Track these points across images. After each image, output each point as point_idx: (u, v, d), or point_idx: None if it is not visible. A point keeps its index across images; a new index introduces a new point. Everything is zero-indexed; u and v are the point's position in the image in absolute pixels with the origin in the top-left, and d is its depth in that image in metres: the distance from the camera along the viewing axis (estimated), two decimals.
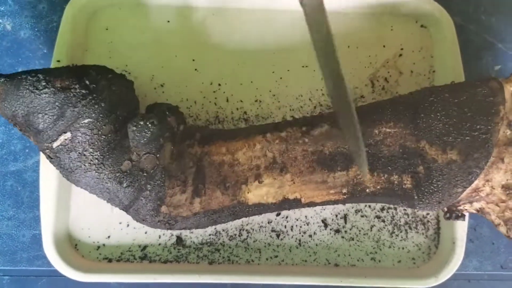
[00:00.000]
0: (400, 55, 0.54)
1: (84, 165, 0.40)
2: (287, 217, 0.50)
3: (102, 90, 0.40)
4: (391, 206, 0.50)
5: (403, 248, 0.50)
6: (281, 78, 0.53)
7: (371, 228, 0.50)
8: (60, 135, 0.39)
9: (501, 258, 0.51)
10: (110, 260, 0.49)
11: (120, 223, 0.49)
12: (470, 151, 0.39)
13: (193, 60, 0.53)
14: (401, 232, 0.50)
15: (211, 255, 0.49)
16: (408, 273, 0.49)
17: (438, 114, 0.40)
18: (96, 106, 0.39)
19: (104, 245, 0.49)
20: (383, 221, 0.50)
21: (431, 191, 0.40)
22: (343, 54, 0.53)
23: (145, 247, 0.49)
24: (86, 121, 0.39)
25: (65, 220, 0.49)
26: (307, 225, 0.50)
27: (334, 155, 0.42)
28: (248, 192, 0.42)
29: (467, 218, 0.48)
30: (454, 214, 0.44)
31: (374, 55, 0.54)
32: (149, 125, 0.41)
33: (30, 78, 0.38)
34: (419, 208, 0.42)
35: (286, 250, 0.50)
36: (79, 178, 0.41)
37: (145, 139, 0.41)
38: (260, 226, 0.50)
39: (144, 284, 0.50)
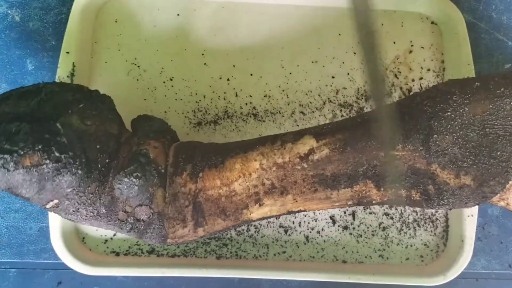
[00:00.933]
0: (410, 51, 0.53)
1: (81, 217, 0.39)
2: (295, 213, 0.50)
3: (74, 155, 0.37)
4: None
5: (411, 246, 0.50)
6: (290, 73, 0.52)
7: (379, 225, 0.50)
8: (48, 202, 0.38)
9: (509, 258, 0.51)
10: (117, 254, 0.49)
11: None
12: (485, 178, 0.36)
13: (202, 54, 0.53)
14: (409, 229, 0.50)
15: (219, 250, 0.49)
16: (416, 271, 0.49)
17: (454, 135, 0.35)
18: (74, 176, 0.37)
19: (111, 238, 0.49)
20: (392, 218, 0.50)
21: (441, 204, 0.38)
22: (353, 50, 0.53)
23: None
24: (68, 190, 0.37)
25: None
26: (315, 221, 0.50)
27: (336, 176, 0.38)
28: (250, 214, 0.41)
29: (476, 217, 0.48)
30: None
31: (384, 52, 0.53)
32: (134, 180, 0.39)
33: None
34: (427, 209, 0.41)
35: (293, 246, 0.49)
36: (82, 223, 0.41)
37: (133, 193, 0.39)
38: (268, 222, 0.49)
39: (151, 278, 0.49)
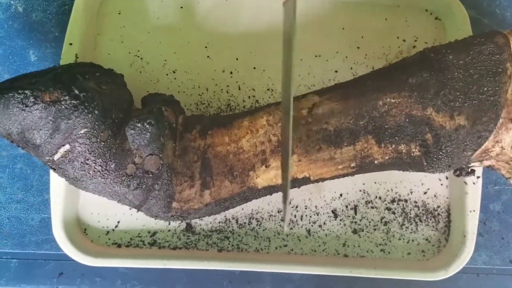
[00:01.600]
0: (414, 46, 0.53)
1: (89, 173, 0.39)
2: (297, 207, 0.50)
3: (93, 96, 0.39)
4: (402, 198, 0.50)
5: (413, 241, 0.50)
6: None
7: (381, 219, 0.50)
8: (59, 148, 0.38)
9: (510, 253, 0.51)
10: (119, 245, 0.49)
11: (130, 208, 0.49)
12: (478, 115, 0.38)
13: (206, 47, 0.52)
14: (411, 224, 0.50)
15: (221, 243, 0.49)
16: (418, 266, 0.49)
17: (443, 79, 0.39)
18: (90, 115, 0.38)
19: (113, 230, 0.49)
20: (394, 213, 0.50)
21: (440, 157, 0.40)
22: (356, 44, 0.53)
23: (154, 233, 0.49)
24: (82, 131, 0.38)
25: (75, 205, 0.49)
26: (317, 215, 0.50)
27: (339, 131, 0.41)
28: (256, 178, 0.42)
29: (478, 212, 0.48)
30: (464, 171, 0.44)
31: (387, 46, 0.53)
32: (147, 126, 0.40)
33: (18, 96, 0.36)
34: (429, 172, 0.41)
35: (295, 240, 0.49)
36: (86, 185, 0.41)
37: (145, 141, 0.40)
38: (270, 215, 0.49)
39: (153, 269, 0.49)
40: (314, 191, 0.50)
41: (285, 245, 0.49)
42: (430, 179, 0.50)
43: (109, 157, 0.39)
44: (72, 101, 0.37)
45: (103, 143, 0.39)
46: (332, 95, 0.42)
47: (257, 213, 0.50)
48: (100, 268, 0.49)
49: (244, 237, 0.49)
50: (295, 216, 0.50)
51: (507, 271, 0.51)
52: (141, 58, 0.52)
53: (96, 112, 0.38)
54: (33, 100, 0.36)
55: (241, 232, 0.49)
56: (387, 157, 0.41)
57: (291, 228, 0.49)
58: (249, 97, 0.52)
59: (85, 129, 0.38)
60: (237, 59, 0.52)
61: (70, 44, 0.49)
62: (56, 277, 0.50)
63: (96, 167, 0.39)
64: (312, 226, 0.50)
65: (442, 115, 0.39)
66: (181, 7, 0.53)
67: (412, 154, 0.40)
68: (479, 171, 0.48)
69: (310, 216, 0.50)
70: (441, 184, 0.51)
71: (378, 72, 0.43)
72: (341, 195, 0.50)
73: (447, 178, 0.51)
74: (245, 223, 0.49)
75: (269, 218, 0.50)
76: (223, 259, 0.47)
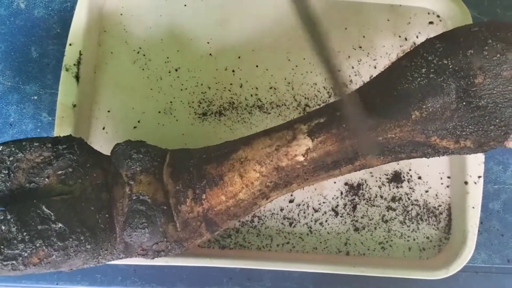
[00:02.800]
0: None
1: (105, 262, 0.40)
2: (298, 205, 0.50)
3: (76, 234, 0.36)
4: (403, 197, 0.50)
5: (414, 239, 0.50)
6: (296, 66, 0.52)
7: (382, 218, 0.50)
8: (69, 270, 0.39)
9: (509, 252, 0.51)
10: None
11: None
12: (485, 141, 0.37)
13: (208, 43, 0.52)
14: (412, 223, 0.50)
15: (223, 240, 0.49)
16: (419, 265, 0.49)
17: (450, 111, 0.36)
18: (85, 253, 0.37)
19: None
20: (395, 211, 0.50)
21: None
22: (358, 44, 0.53)
23: None
24: (83, 261, 0.38)
25: None
26: (318, 212, 0.50)
27: (336, 162, 0.40)
28: (259, 207, 0.43)
29: (478, 211, 0.48)
30: None
31: (390, 46, 0.53)
32: (142, 230, 0.38)
33: None
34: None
35: (297, 238, 0.50)
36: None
37: (145, 239, 0.39)
38: (272, 213, 0.50)
39: (153, 266, 0.49)
40: (316, 189, 0.50)
41: (287, 243, 0.49)
42: (431, 178, 0.51)
43: (116, 253, 0.40)
44: (61, 252, 0.35)
45: (107, 251, 0.39)
46: (326, 138, 0.39)
47: (259, 212, 0.50)
48: (101, 265, 0.49)
49: (246, 235, 0.49)
50: (297, 214, 0.50)
51: (506, 270, 0.51)
52: (144, 55, 0.52)
53: (88, 246, 0.37)
54: (23, 266, 0.35)
55: (243, 230, 0.49)
56: (386, 162, 0.41)
57: (293, 227, 0.50)
58: (251, 95, 0.52)
59: (85, 260, 0.38)
60: (239, 57, 0.52)
61: (73, 41, 0.49)
62: (56, 274, 0.50)
63: (109, 260, 0.40)
64: (314, 224, 0.50)
65: (447, 141, 0.37)
66: (185, 5, 0.53)
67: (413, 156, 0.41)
68: (480, 170, 0.49)
69: (312, 214, 0.50)
70: (442, 183, 0.51)
71: (377, 102, 0.39)
72: (341, 193, 0.50)
73: (448, 177, 0.51)
74: (247, 221, 0.50)
75: (271, 216, 0.50)
76: (225, 257, 0.47)
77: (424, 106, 0.36)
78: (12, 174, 0.37)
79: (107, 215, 0.38)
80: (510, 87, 0.35)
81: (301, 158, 0.39)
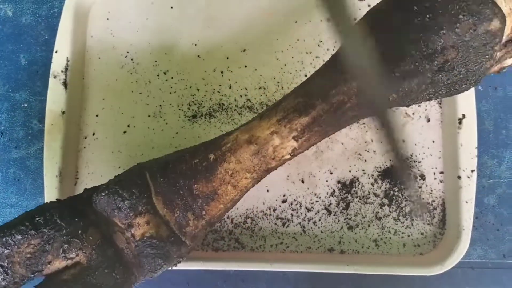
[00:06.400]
0: None
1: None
2: (291, 204, 0.50)
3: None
4: (396, 193, 0.50)
5: (408, 236, 0.50)
6: (285, 64, 0.52)
7: (375, 215, 0.50)
8: None
9: (505, 247, 0.51)
10: None
11: None
12: (456, 93, 0.38)
13: (196, 45, 0.52)
14: (406, 219, 0.50)
15: (216, 243, 0.49)
16: (414, 261, 0.49)
17: (428, 86, 0.36)
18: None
19: None
20: (388, 208, 0.50)
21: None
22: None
23: None
24: None
25: None
26: (311, 212, 0.50)
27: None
28: None
29: (473, 205, 0.48)
30: None
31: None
32: (161, 268, 0.39)
33: None
34: None
35: (290, 238, 0.49)
36: None
37: (165, 269, 0.40)
38: (265, 214, 0.49)
39: None
40: (308, 187, 0.50)
41: (281, 243, 0.49)
42: (425, 174, 0.50)
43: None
44: None
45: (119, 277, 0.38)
46: (310, 136, 0.39)
47: (251, 212, 0.49)
48: None
49: (239, 236, 0.49)
50: (291, 214, 0.50)
51: (502, 265, 0.51)
52: (132, 60, 0.52)
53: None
54: None
55: (237, 232, 0.49)
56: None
57: (286, 227, 0.49)
58: (241, 96, 0.52)
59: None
60: (227, 58, 0.52)
61: (60, 48, 0.49)
62: None
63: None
64: (307, 223, 0.50)
65: (420, 101, 0.39)
66: (171, 7, 0.53)
67: None
68: (473, 164, 0.48)
69: (305, 214, 0.50)
70: (435, 179, 0.50)
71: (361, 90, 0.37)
72: (334, 191, 0.50)
73: (441, 172, 0.51)
74: (240, 222, 0.49)
75: (263, 217, 0.49)
76: (219, 259, 0.47)
77: (400, 89, 0.36)
78: (9, 271, 0.35)
79: (121, 267, 0.37)
80: (480, 52, 0.35)
81: (288, 156, 0.39)
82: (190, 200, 0.39)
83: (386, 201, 0.50)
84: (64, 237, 0.36)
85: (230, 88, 0.52)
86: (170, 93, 0.51)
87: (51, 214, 0.36)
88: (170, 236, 0.38)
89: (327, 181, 0.50)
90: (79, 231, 0.36)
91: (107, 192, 0.37)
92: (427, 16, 0.35)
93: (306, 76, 0.52)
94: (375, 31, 0.37)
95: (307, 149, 0.40)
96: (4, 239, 0.35)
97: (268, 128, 0.38)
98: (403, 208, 0.50)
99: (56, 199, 0.41)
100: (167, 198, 0.39)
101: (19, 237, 0.35)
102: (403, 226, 0.50)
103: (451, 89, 0.37)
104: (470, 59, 0.35)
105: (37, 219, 0.36)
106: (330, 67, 0.39)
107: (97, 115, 0.51)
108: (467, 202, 0.48)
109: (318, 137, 0.39)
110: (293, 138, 0.38)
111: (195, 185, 0.39)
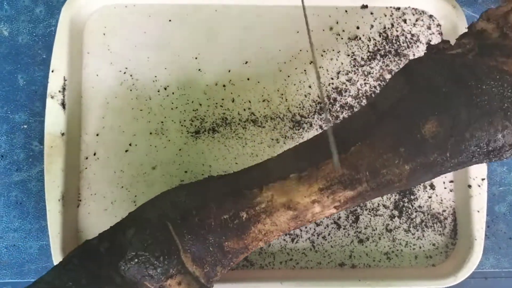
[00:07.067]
0: (410, 46, 0.52)
1: None
2: None
3: None
4: (406, 204, 0.49)
5: (420, 247, 0.49)
6: (288, 76, 0.51)
7: (386, 227, 0.49)
8: None
9: None
10: None
11: None
12: None
13: (196, 58, 0.51)
14: (417, 230, 0.49)
15: None
16: (426, 273, 0.48)
17: None
18: None
19: None
20: (399, 220, 0.49)
21: None
22: (351, 50, 0.52)
23: None
24: None
25: (74, 230, 0.48)
26: (320, 226, 0.49)
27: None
28: None
29: (484, 214, 0.47)
30: None
31: (382, 47, 0.52)
32: None
33: None
34: None
35: (300, 254, 0.48)
36: None
37: None
38: None
39: None
40: None
41: (290, 259, 0.48)
42: (434, 183, 0.49)
43: None
44: None
45: None
46: (351, 205, 0.37)
47: None
48: None
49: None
50: (300, 230, 0.49)
51: None
52: (131, 75, 0.51)
53: None
54: None
55: None
56: None
57: (296, 243, 0.48)
58: (244, 109, 0.51)
59: None
60: (229, 70, 0.51)
61: (57, 67, 0.48)
62: None
63: None
64: (317, 238, 0.49)
65: None
66: (170, 20, 0.52)
67: None
68: (483, 172, 0.47)
69: (314, 228, 0.49)
70: (445, 188, 0.50)
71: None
72: None
73: (451, 181, 0.50)
74: None
75: None
76: (228, 280, 0.46)
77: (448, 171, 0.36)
78: None
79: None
80: None
81: (323, 218, 0.39)
82: (219, 256, 0.38)
83: (396, 212, 0.49)
84: None
85: (233, 101, 0.51)
86: (172, 108, 0.50)
87: (80, 284, 0.35)
88: None
89: None
90: None
91: (136, 261, 0.36)
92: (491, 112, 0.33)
93: (310, 87, 0.51)
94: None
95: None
96: None
97: (309, 196, 0.36)
98: (414, 219, 0.49)
99: (75, 253, 0.39)
100: (196, 255, 0.37)
101: None
102: (414, 238, 0.49)
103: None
104: None
105: None
106: (377, 137, 0.35)
107: (97, 135, 0.49)
108: (478, 211, 0.47)
109: (357, 204, 0.38)
110: (335, 207, 0.37)
111: (226, 243, 0.38)
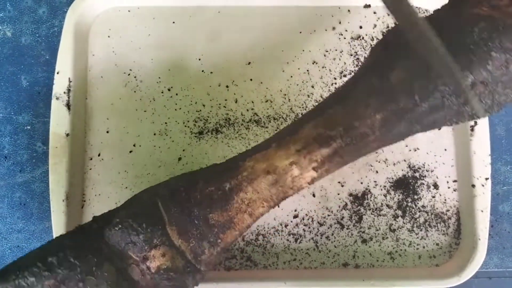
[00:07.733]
0: None
1: None
2: (302, 219, 0.49)
3: None
4: (409, 204, 0.49)
5: (423, 247, 0.49)
6: (291, 76, 0.51)
7: (389, 227, 0.49)
8: None
9: None
10: None
11: None
12: None
13: (199, 59, 0.51)
14: (420, 230, 0.49)
15: (228, 262, 0.48)
16: (430, 273, 0.48)
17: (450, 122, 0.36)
18: None
19: None
20: (402, 219, 0.49)
21: None
22: (354, 50, 0.52)
23: None
24: None
25: None
26: (324, 226, 0.49)
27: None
28: None
29: (488, 213, 0.47)
30: None
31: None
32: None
33: None
34: None
35: (303, 253, 0.48)
36: None
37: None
38: (276, 230, 0.49)
39: None
40: (320, 201, 0.49)
41: (294, 259, 0.48)
42: (438, 183, 0.49)
43: None
44: None
45: None
46: (330, 166, 0.38)
47: (263, 229, 0.49)
48: None
49: (251, 254, 0.48)
50: (303, 230, 0.49)
51: None
52: (135, 77, 0.51)
53: None
54: None
55: (248, 250, 0.48)
56: None
57: (299, 243, 0.48)
58: (247, 110, 0.51)
59: None
60: (232, 71, 0.51)
61: (62, 69, 0.48)
62: None
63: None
64: (320, 238, 0.49)
65: None
66: (173, 22, 0.52)
67: None
68: (487, 172, 0.47)
69: (317, 228, 0.49)
70: (449, 188, 0.50)
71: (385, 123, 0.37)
72: (346, 204, 0.49)
73: (454, 181, 0.50)
74: (251, 240, 0.48)
75: (275, 233, 0.49)
76: (231, 279, 0.46)
77: (425, 121, 0.36)
78: None
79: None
80: (508, 85, 0.35)
81: (305, 185, 0.38)
82: (205, 230, 0.38)
83: (399, 212, 0.49)
84: (79, 275, 0.35)
85: (236, 102, 0.51)
86: (175, 109, 0.50)
87: (64, 253, 0.35)
88: (186, 266, 0.37)
89: (338, 194, 0.49)
90: (93, 268, 0.35)
91: (120, 226, 0.36)
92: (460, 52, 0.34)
93: (313, 87, 0.51)
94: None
95: (324, 176, 0.39)
96: (17, 282, 0.33)
97: (287, 158, 0.37)
98: (417, 219, 0.49)
99: (67, 232, 0.40)
100: (181, 228, 0.37)
101: (33, 279, 0.34)
102: (417, 238, 0.49)
103: (473, 117, 0.36)
104: (497, 91, 0.34)
105: (49, 259, 0.34)
106: (352, 96, 0.37)
107: (101, 136, 0.50)
108: (482, 211, 0.47)
109: (338, 166, 0.38)
110: (313, 168, 0.37)
111: (211, 215, 0.38)
